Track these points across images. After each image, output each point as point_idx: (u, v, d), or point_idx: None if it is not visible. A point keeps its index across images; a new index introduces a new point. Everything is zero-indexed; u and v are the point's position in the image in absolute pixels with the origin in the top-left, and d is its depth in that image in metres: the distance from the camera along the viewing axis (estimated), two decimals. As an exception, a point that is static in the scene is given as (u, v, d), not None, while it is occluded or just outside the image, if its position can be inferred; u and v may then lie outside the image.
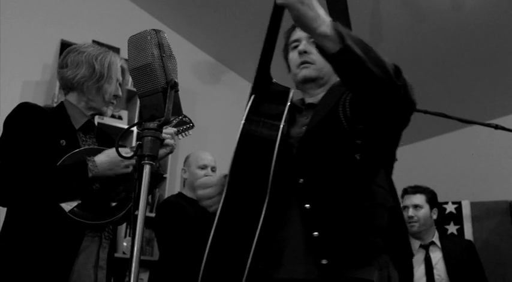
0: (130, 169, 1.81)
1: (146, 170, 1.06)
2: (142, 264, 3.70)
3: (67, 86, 1.95)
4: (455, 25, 3.60)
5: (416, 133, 4.71)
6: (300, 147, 1.31)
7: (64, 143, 1.79)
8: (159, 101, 1.10)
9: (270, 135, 1.23)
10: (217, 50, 4.53)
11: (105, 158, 1.77)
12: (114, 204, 1.81)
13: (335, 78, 1.45)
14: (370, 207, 1.24)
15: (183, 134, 2.06)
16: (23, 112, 1.82)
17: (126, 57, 1.20)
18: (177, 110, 1.14)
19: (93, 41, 3.83)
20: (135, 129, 3.61)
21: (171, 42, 1.21)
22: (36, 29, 3.73)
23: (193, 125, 2.06)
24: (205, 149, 3.44)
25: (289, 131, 1.36)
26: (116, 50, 4.02)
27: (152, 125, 1.09)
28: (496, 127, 2.69)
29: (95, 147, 1.90)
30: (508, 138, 3.04)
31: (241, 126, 1.26)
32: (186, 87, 3.76)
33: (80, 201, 1.72)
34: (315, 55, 1.41)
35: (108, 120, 3.80)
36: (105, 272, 1.82)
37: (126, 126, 3.67)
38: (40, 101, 3.45)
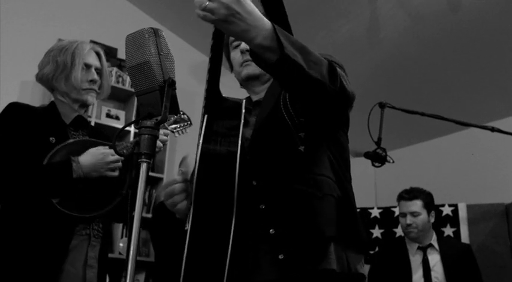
0: (116, 173, 1.81)
1: (143, 168, 1.06)
2: (139, 265, 3.69)
3: (45, 86, 2.00)
4: (452, 27, 3.61)
5: (413, 135, 4.72)
6: (251, 149, 1.31)
7: (54, 140, 1.79)
8: (156, 99, 1.10)
9: (229, 152, 1.24)
10: (215, 51, 4.53)
11: (90, 158, 1.76)
12: (101, 198, 1.81)
13: None
14: (319, 198, 1.26)
15: (181, 131, 2.05)
16: (11, 112, 1.84)
17: (124, 57, 1.20)
18: (175, 108, 1.14)
19: (91, 41, 3.84)
20: (132, 129, 3.61)
21: (169, 43, 1.21)
22: (34, 28, 3.73)
23: (191, 123, 2.05)
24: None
25: (243, 133, 1.36)
26: (114, 50, 4.04)
27: (149, 123, 1.09)
28: (493, 130, 2.70)
29: (82, 139, 1.89)
30: (505, 141, 3.05)
31: (199, 147, 1.27)
32: (184, 87, 3.75)
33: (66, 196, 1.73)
34: None
35: (105, 120, 3.80)
36: (95, 270, 1.81)
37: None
38: (38, 101, 3.44)
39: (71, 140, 1.83)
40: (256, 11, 1.08)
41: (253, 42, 1.08)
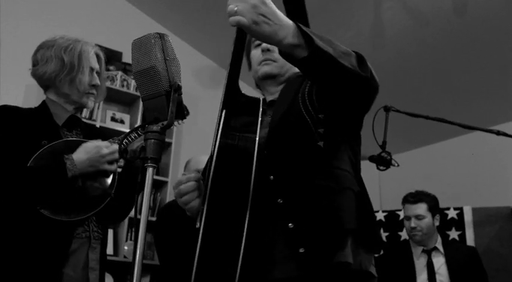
0: (114, 166, 1.76)
1: (149, 172, 1.06)
2: (144, 268, 3.68)
3: (42, 83, 1.92)
4: (456, 30, 3.61)
5: (418, 139, 4.71)
6: (268, 147, 1.32)
7: (46, 143, 1.74)
8: (162, 104, 1.11)
9: (246, 148, 1.25)
10: (220, 54, 4.54)
11: (83, 154, 1.71)
12: (89, 199, 1.75)
13: (292, 72, 1.47)
14: (339, 191, 1.26)
15: (177, 121, 2.00)
16: (1, 115, 1.78)
17: (130, 61, 1.21)
18: (180, 113, 1.14)
19: (96, 45, 3.84)
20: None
21: (174, 47, 1.21)
22: (37, 32, 3.72)
23: (188, 113, 2.01)
24: (207, 154, 3.43)
25: (259, 132, 1.36)
26: (119, 54, 4.05)
27: (155, 127, 1.09)
28: (498, 133, 2.69)
29: (70, 139, 1.83)
30: (510, 144, 3.04)
31: (217, 141, 1.27)
32: (188, 91, 3.76)
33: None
34: (277, 53, 1.39)
35: (110, 124, 3.81)
36: (97, 272, 1.78)
37: (127, 130, 3.67)
38: (42, 105, 3.45)
39: (55, 142, 1.77)
40: (279, 11, 1.10)
41: (283, 42, 1.09)
